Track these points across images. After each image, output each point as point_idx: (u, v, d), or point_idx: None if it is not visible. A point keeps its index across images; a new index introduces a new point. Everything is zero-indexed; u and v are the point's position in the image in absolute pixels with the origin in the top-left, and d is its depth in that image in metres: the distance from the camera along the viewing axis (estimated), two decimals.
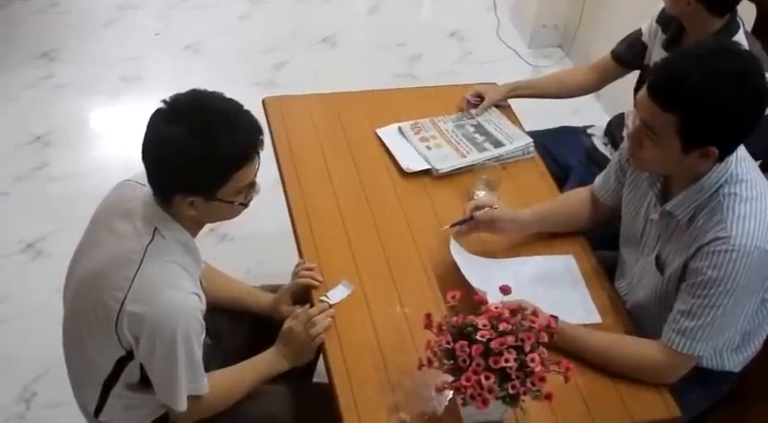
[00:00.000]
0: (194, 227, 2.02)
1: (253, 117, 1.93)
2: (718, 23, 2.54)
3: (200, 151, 1.83)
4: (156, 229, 1.94)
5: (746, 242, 1.94)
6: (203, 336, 2.00)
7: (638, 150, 2.04)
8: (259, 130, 1.93)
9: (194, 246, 2.03)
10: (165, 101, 1.88)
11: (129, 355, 1.97)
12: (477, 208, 2.37)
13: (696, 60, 1.90)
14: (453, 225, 2.37)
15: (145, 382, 2.03)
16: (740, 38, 2.53)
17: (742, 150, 2.05)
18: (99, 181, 2.21)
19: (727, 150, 1.98)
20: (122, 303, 1.89)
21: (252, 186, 1.98)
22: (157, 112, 1.88)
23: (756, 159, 2.47)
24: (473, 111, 2.90)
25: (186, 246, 1.99)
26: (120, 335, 1.92)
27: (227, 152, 1.86)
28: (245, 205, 2.00)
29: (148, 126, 1.88)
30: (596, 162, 2.89)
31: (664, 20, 2.74)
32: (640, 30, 2.88)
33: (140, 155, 1.90)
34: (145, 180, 1.96)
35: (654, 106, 1.92)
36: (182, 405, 2.00)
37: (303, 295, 2.30)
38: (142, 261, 1.91)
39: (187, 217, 1.95)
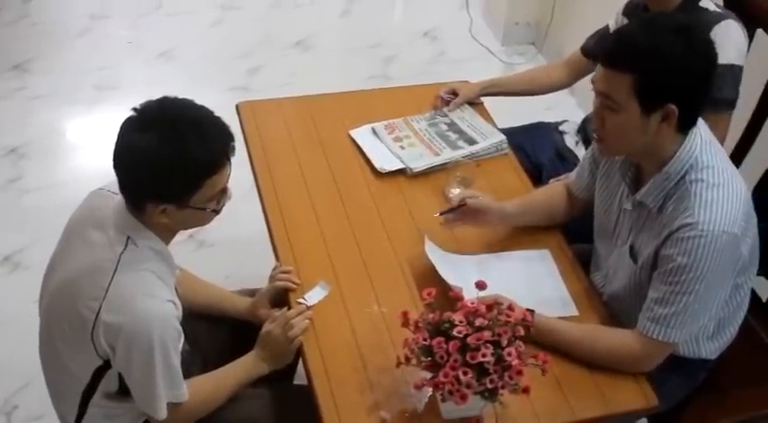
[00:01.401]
0: (167, 234, 2.02)
1: (223, 123, 1.93)
2: None
3: (171, 158, 1.83)
4: (128, 237, 1.94)
5: (714, 228, 1.95)
6: (181, 343, 2.00)
7: (602, 129, 2.06)
8: (230, 136, 1.93)
9: (168, 253, 2.02)
10: (134, 109, 1.88)
11: (106, 365, 1.97)
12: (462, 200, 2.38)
13: (641, 23, 2.02)
14: (444, 212, 2.38)
15: (124, 391, 2.02)
16: (707, 3, 2.56)
17: (707, 134, 2.07)
18: (75, 192, 2.20)
19: (687, 113, 1.99)
20: (97, 313, 1.89)
21: (224, 192, 1.98)
22: (127, 121, 1.88)
23: (728, 107, 2.51)
24: (446, 108, 2.91)
25: (160, 253, 1.99)
26: (97, 344, 1.92)
27: (198, 158, 1.85)
28: (218, 212, 2.00)
29: (119, 135, 1.88)
30: (566, 160, 2.91)
31: (629, 10, 2.77)
32: (608, 25, 2.90)
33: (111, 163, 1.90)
34: (117, 188, 1.96)
35: (607, 71, 1.97)
36: (161, 413, 2.00)
37: (281, 298, 2.30)
38: (116, 270, 1.90)
39: (160, 225, 1.95)
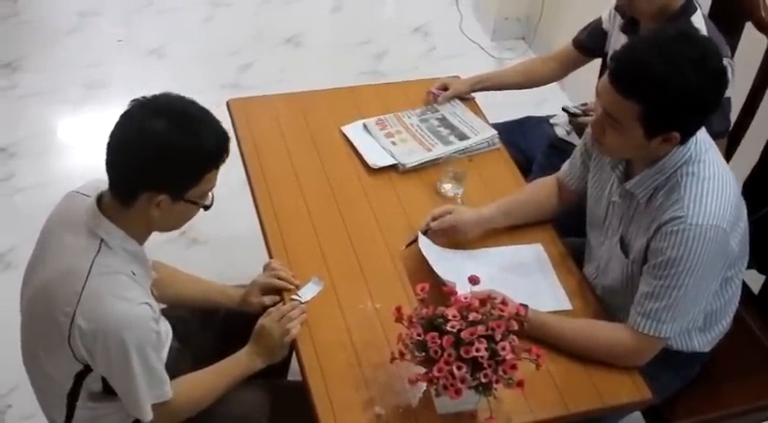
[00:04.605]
0: (143, 234, 1.99)
1: (220, 122, 1.94)
2: (677, 3, 2.55)
3: (183, 144, 1.84)
4: (102, 240, 1.91)
5: (703, 221, 1.96)
6: (170, 340, 1.98)
7: (601, 137, 2.05)
8: (227, 134, 1.95)
9: (143, 254, 2.00)
10: (137, 100, 1.88)
11: (86, 369, 1.94)
12: (434, 218, 2.37)
13: (657, 48, 1.91)
14: (409, 244, 2.37)
15: (108, 391, 1.99)
16: (697, 19, 2.55)
17: (700, 131, 2.07)
18: (67, 190, 2.17)
19: (689, 134, 2.00)
20: (72, 318, 1.85)
21: (210, 192, 1.99)
22: (133, 109, 1.87)
23: (723, 136, 2.55)
24: (436, 103, 2.91)
25: (134, 254, 1.96)
26: (75, 349, 1.89)
27: (207, 148, 1.88)
28: (207, 208, 1.99)
29: (123, 121, 1.86)
30: (560, 150, 2.91)
31: (622, 7, 2.75)
32: (600, 18, 2.90)
33: (107, 154, 1.87)
34: (89, 191, 1.95)
35: (616, 94, 1.93)
36: (147, 415, 1.97)
37: (273, 291, 2.29)
38: (89, 274, 1.87)
39: (143, 220, 1.92)
